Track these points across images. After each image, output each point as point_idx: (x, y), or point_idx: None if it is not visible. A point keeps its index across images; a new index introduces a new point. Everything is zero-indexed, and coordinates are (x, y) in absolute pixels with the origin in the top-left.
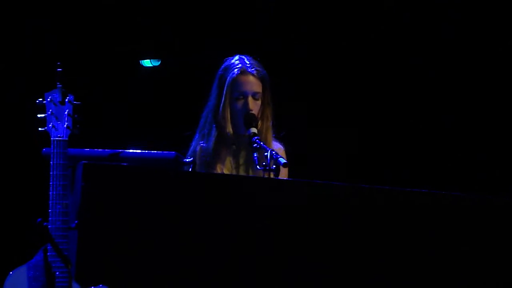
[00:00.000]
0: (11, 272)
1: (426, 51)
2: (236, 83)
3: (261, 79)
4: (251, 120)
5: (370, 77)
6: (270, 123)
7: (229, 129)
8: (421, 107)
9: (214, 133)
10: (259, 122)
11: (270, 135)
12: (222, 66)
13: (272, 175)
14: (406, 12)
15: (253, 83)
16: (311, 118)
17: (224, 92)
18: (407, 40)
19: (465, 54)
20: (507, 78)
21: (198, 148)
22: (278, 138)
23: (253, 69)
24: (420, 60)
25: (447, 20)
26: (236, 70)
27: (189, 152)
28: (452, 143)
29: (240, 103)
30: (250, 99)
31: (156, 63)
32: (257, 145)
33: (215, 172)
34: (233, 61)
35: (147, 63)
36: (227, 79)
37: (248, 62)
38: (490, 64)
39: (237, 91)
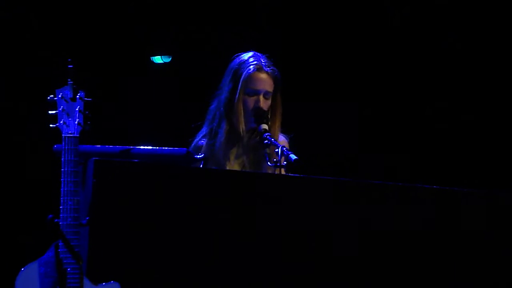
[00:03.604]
0: (22, 269)
1: (427, 50)
2: (251, 80)
3: (274, 79)
4: (262, 116)
5: (375, 75)
6: (279, 123)
7: (241, 124)
8: (425, 104)
9: (224, 127)
10: (271, 122)
11: (278, 133)
12: (237, 61)
13: (283, 172)
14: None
15: (266, 82)
16: (314, 116)
17: (239, 87)
18: (411, 37)
19: (468, 53)
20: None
21: (203, 145)
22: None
23: (268, 68)
24: (426, 58)
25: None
26: (252, 66)
27: (192, 146)
28: (454, 141)
29: (251, 100)
30: (261, 97)
31: (167, 59)
32: (268, 141)
33: (224, 167)
34: (247, 57)
35: (158, 59)
36: (243, 75)
37: (263, 61)
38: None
39: (250, 88)
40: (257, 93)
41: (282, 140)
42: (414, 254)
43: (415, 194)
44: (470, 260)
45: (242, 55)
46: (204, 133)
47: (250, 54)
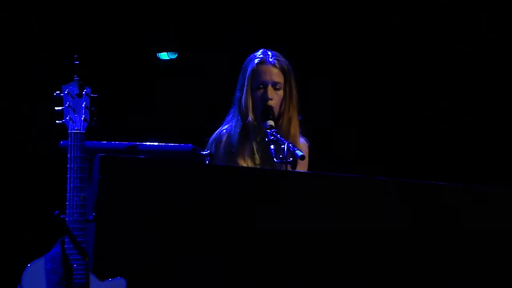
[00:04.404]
0: (29, 265)
1: (427, 50)
2: (256, 73)
3: (282, 69)
4: (267, 112)
5: (376, 75)
6: (296, 116)
7: (251, 119)
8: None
9: (239, 124)
10: (283, 115)
11: (294, 127)
12: (247, 60)
13: (289, 168)
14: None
15: (272, 73)
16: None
17: (246, 82)
18: (417, 38)
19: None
20: None
21: (223, 137)
22: (304, 134)
23: (273, 59)
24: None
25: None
26: (256, 60)
27: (212, 137)
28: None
29: (259, 93)
30: (269, 88)
31: (173, 55)
32: (274, 137)
33: (238, 163)
34: (256, 53)
35: (164, 55)
36: (248, 70)
37: (270, 54)
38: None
39: (257, 81)
40: (264, 84)
41: (302, 142)
42: (415, 252)
43: (415, 190)
44: (470, 259)
45: (253, 53)
46: (223, 129)
47: (260, 51)
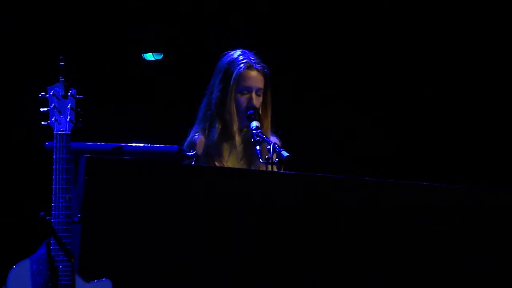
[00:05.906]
0: (14, 266)
1: (425, 48)
2: (242, 78)
3: (264, 75)
4: (254, 113)
5: (371, 72)
6: (269, 117)
7: (234, 122)
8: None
9: (217, 126)
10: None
11: (269, 129)
12: (226, 60)
13: (274, 168)
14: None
15: (257, 79)
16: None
17: (230, 86)
18: (407, 34)
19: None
20: None
21: (197, 140)
22: (275, 133)
23: (258, 65)
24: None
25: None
26: (242, 65)
27: (186, 143)
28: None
29: (244, 98)
30: (254, 94)
31: (159, 56)
32: (260, 138)
33: (218, 165)
34: (236, 55)
35: (149, 56)
36: (234, 74)
37: (252, 58)
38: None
39: (242, 86)
40: (249, 90)
41: (274, 140)
42: (414, 253)
43: (411, 191)
44: (470, 259)
45: (231, 54)
46: (196, 131)
47: (239, 52)
